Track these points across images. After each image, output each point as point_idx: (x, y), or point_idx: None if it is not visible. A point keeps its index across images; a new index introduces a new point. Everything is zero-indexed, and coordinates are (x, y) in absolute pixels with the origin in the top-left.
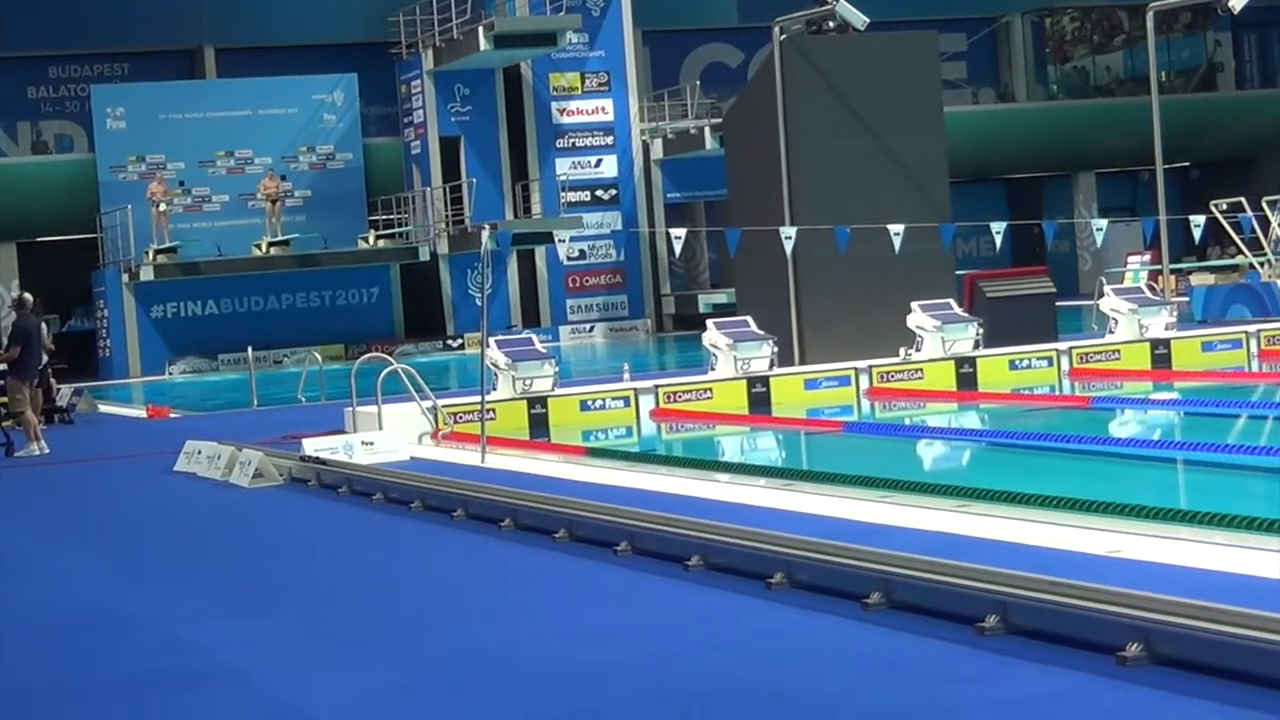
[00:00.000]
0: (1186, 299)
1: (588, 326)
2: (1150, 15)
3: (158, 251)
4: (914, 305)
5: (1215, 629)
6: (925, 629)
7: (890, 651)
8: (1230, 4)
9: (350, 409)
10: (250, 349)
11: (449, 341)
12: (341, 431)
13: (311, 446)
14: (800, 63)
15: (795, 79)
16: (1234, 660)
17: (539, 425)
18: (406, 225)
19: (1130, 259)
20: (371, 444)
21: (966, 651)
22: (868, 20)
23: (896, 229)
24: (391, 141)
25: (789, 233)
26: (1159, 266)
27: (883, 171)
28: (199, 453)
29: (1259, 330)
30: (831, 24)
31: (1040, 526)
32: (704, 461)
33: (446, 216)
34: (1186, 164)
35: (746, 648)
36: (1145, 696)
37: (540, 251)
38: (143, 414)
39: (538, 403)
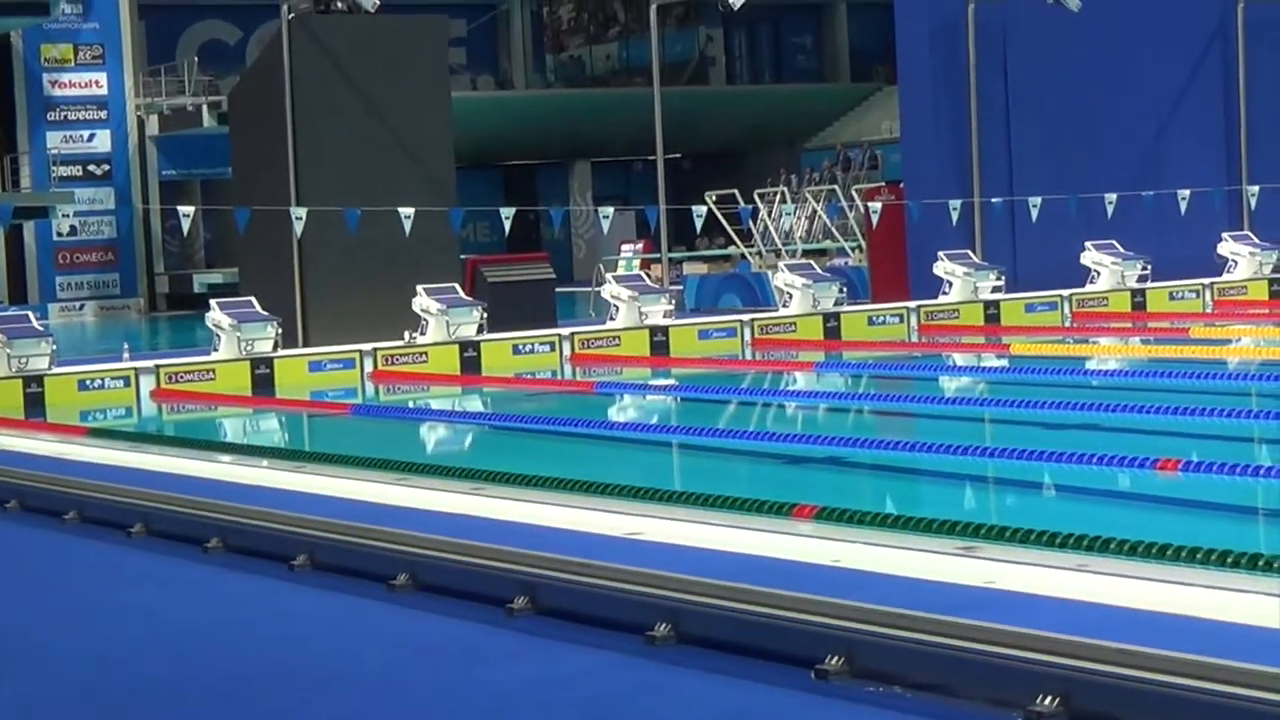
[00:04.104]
0: (680, 288)
1: (78, 304)
2: (654, 9)
3: None
4: (419, 289)
5: (738, 607)
6: (454, 610)
7: (420, 633)
8: (730, 0)
9: None
10: None
11: None
12: None
13: None
14: (308, 43)
15: (303, 59)
16: (754, 638)
17: (35, 405)
18: None
19: (624, 247)
20: None
21: (497, 632)
22: (378, 2)
23: (407, 212)
24: None
25: (300, 213)
26: (653, 255)
27: (390, 155)
28: None
29: (753, 319)
30: (341, 4)
31: (558, 509)
32: (211, 443)
33: None
34: (679, 155)
35: (277, 630)
36: (673, 674)
37: (29, 227)
38: None
39: (34, 381)
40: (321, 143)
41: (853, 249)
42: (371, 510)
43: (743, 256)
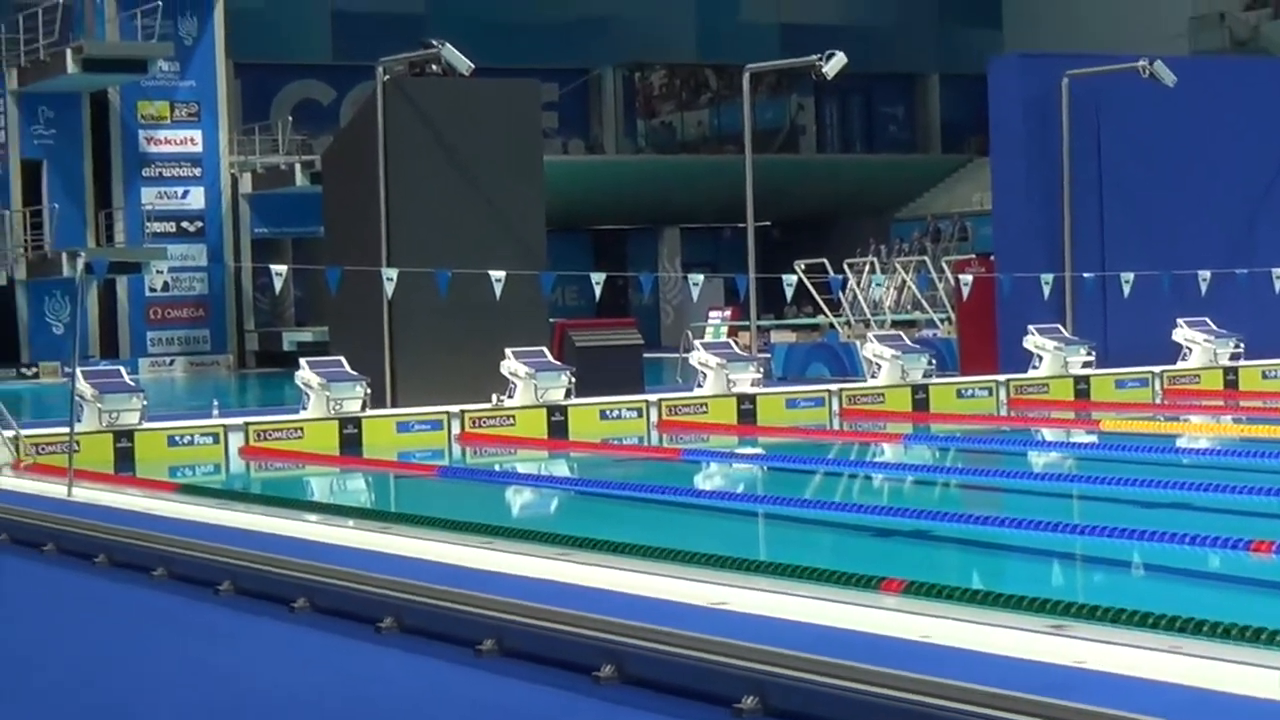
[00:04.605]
0: (768, 356)
1: (168, 360)
2: (746, 76)
3: None
4: (508, 352)
5: (826, 681)
6: (540, 677)
7: (505, 699)
8: (825, 69)
9: None
10: None
11: (23, 370)
12: None
13: None
14: (402, 105)
15: (396, 121)
16: (843, 713)
17: (124, 459)
18: None
19: (712, 314)
20: None
21: (582, 700)
22: (473, 66)
23: (498, 275)
24: None
25: (391, 274)
26: (741, 323)
27: (482, 217)
28: None
29: (841, 389)
30: (435, 67)
31: (645, 577)
32: (298, 501)
33: (26, 241)
34: (768, 223)
35: (362, 692)
36: None
37: (122, 281)
38: None
39: (124, 436)
40: (413, 204)
41: (942, 320)
42: (458, 573)
43: (831, 326)
